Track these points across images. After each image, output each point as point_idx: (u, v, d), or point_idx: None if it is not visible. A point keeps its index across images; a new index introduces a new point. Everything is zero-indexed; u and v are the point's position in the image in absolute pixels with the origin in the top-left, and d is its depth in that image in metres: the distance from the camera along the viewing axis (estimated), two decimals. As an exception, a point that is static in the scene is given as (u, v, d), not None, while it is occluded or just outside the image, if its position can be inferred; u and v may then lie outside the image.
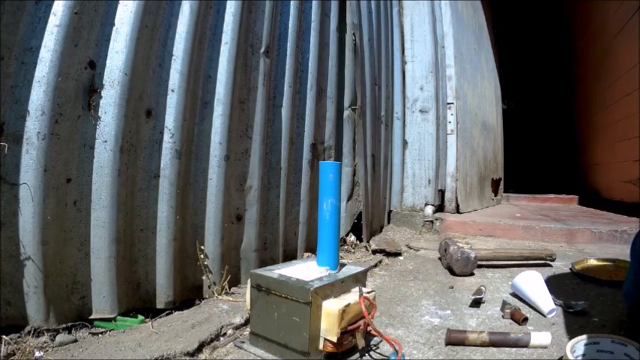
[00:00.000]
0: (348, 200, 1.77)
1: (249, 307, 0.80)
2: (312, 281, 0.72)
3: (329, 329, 0.69)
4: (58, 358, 0.71)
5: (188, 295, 1.06)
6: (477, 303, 1.05)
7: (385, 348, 0.78)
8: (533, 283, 1.06)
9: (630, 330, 0.87)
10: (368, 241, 1.79)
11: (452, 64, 2.53)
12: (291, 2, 1.39)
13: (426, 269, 1.46)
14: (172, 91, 1.00)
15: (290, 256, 1.41)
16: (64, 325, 0.82)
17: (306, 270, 0.80)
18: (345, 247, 1.71)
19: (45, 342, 0.75)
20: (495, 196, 3.36)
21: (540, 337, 0.81)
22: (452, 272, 1.37)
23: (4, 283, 0.76)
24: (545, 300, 1.00)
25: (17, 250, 0.76)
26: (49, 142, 0.79)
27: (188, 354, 0.75)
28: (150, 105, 0.97)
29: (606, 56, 3.40)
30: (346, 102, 1.76)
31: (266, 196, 1.30)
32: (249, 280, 0.79)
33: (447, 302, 1.09)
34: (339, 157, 1.73)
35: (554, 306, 0.98)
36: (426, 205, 2.35)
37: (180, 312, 0.96)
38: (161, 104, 0.99)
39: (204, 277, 1.07)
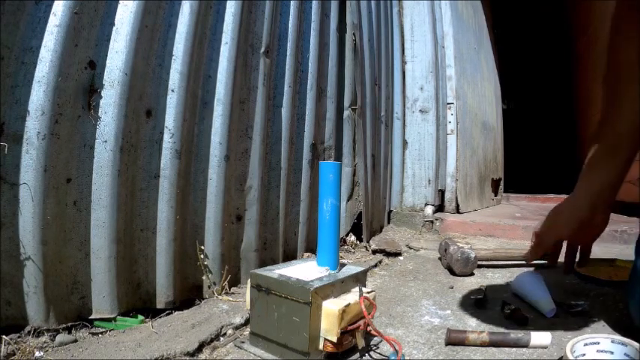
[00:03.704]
0: (348, 200, 1.77)
1: (249, 307, 0.80)
2: (312, 281, 0.72)
3: (329, 329, 0.69)
4: (58, 358, 0.71)
5: (188, 295, 1.06)
6: (476, 303, 1.05)
7: (385, 348, 0.78)
8: (532, 283, 1.06)
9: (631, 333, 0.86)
10: (368, 241, 1.79)
11: (452, 64, 2.53)
12: (291, 2, 1.39)
13: (426, 269, 1.46)
14: (172, 91, 1.00)
15: (290, 256, 1.41)
16: (64, 325, 0.82)
17: (306, 270, 0.80)
18: (345, 247, 1.71)
19: (45, 342, 0.75)
20: (495, 196, 3.36)
21: (540, 337, 0.81)
22: (452, 272, 1.37)
23: (4, 283, 0.76)
24: (544, 300, 1.00)
25: (17, 250, 0.77)
26: (49, 142, 0.79)
27: (188, 354, 0.75)
28: (150, 105, 0.97)
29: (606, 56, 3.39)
30: (346, 102, 1.76)
31: (266, 196, 1.30)
32: (249, 280, 0.79)
33: (447, 302, 1.09)
34: (339, 157, 1.73)
35: (554, 306, 0.98)
36: (426, 205, 2.35)
37: (180, 312, 0.96)
38: (161, 104, 0.99)
39: (204, 277, 1.07)
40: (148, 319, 0.91)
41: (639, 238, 0.82)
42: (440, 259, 1.55)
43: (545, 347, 0.80)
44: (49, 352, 0.73)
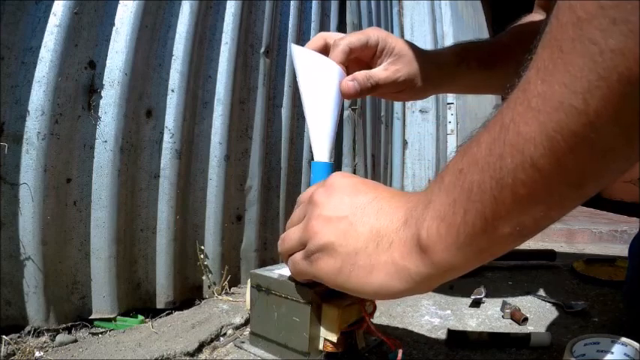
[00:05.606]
0: (348, 200, 1.77)
1: (249, 307, 0.80)
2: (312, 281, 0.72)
3: (329, 329, 0.69)
4: (58, 358, 0.71)
5: (188, 295, 1.06)
6: (476, 303, 1.05)
7: (385, 348, 0.78)
8: (319, 83, 0.55)
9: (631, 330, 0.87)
10: (368, 241, 1.78)
11: (452, 64, 2.52)
12: (291, 2, 1.39)
13: (426, 269, 1.46)
14: (172, 91, 1.00)
15: (290, 256, 1.41)
16: (64, 325, 0.82)
17: (306, 270, 0.80)
18: (345, 247, 1.71)
19: (45, 342, 0.75)
20: (495, 196, 3.36)
21: (540, 337, 0.81)
22: (452, 272, 1.37)
23: (4, 283, 0.76)
24: (322, 139, 0.54)
25: (17, 250, 0.77)
26: (49, 142, 0.79)
27: (188, 354, 0.75)
28: (150, 105, 0.97)
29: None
30: (346, 102, 1.76)
31: (266, 196, 1.30)
32: (249, 280, 0.79)
33: (446, 302, 1.09)
34: (339, 156, 1.73)
35: (327, 160, 0.60)
36: (426, 205, 2.34)
37: (180, 312, 0.96)
38: (161, 104, 0.99)
39: (204, 277, 1.07)
40: (148, 319, 0.91)
41: (633, 240, 0.82)
42: (440, 259, 1.55)
43: (545, 347, 0.80)
44: (49, 352, 0.73)
